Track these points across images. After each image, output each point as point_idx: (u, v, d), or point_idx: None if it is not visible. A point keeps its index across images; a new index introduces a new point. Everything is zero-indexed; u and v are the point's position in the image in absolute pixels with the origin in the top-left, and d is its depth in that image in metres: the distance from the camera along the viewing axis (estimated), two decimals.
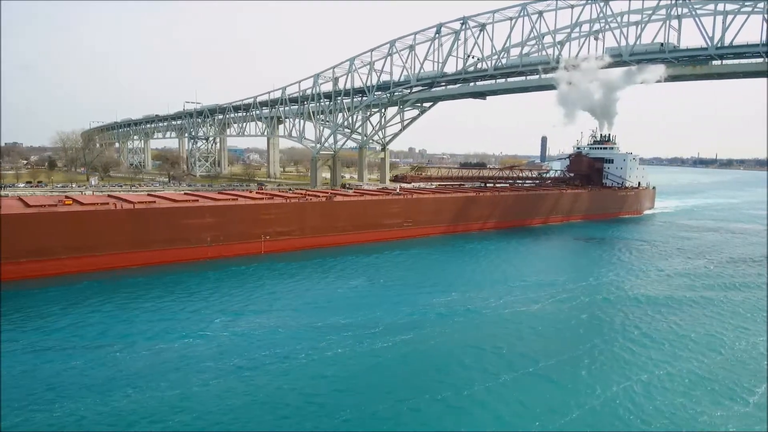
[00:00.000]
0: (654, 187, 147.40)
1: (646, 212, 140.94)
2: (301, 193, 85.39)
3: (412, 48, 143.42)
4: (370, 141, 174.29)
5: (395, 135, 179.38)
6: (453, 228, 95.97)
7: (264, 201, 74.87)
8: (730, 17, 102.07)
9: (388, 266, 67.93)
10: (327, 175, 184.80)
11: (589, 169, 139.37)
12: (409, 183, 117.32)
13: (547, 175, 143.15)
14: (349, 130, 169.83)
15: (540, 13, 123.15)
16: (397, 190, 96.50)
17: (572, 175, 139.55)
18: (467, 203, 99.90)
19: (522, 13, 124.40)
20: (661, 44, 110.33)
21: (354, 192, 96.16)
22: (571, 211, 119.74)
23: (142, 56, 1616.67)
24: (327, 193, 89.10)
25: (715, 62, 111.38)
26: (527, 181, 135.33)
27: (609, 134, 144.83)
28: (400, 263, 70.22)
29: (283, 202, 75.37)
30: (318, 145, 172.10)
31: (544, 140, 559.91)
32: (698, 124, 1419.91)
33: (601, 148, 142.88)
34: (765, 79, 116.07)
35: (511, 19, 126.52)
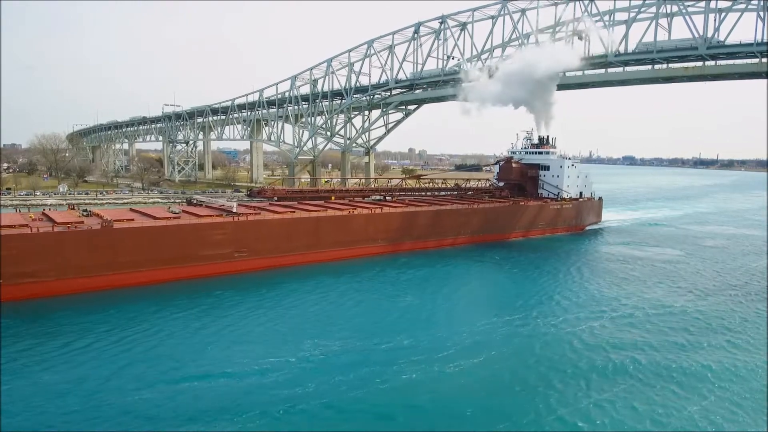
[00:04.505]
0: (600, 198, 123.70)
1: (590, 227, 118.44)
2: (77, 221, 62.39)
3: (390, 48, 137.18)
4: (354, 144, 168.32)
5: (380, 138, 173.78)
6: (310, 257, 75.09)
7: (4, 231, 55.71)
8: (723, 16, 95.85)
9: (188, 318, 49.95)
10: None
11: (521, 178, 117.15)
12: (270, 197, 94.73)
13: (469, 185, 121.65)
14: (330, 134, 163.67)
15: (522, 11, 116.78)
16: (234, 209, 75.74)
17: (502, 184, 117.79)
18: (335, 224, 78.66)
19: (503, 11, 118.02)
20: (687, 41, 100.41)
21: (181, 211, 73.85)
22: (483, 230, 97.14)
23: (133, 57, 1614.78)
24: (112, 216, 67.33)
25: (708, 63, 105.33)
26: (442, 193, 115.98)
27: (547, 136, 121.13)
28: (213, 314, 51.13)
29: (28, 233, 56.81)
30: (297, 149, 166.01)
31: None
32: (700, 124, 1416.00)
33: (536, 153, 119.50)
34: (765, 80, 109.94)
35: (492, 17, 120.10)
